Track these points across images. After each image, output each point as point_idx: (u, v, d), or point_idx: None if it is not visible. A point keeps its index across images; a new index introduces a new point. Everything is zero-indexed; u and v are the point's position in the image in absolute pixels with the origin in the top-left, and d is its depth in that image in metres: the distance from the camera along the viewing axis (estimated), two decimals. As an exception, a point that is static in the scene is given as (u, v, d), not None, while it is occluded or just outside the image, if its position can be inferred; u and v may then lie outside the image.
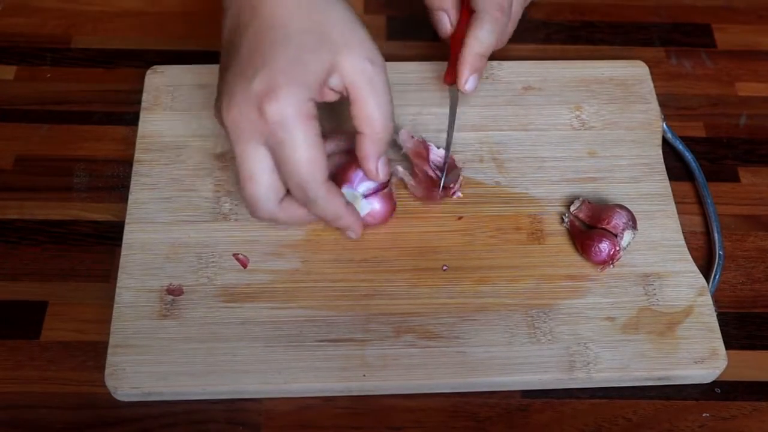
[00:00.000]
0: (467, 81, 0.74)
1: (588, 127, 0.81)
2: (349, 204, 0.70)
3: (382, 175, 0.70)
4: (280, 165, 0.66)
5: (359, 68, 0.66)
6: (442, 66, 0.81)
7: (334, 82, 0.67)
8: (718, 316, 0.72)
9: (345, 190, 0.72)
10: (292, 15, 0.66)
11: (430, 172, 0.76)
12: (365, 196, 0.73)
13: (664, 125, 0.82)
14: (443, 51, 0.79)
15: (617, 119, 0.82)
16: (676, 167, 0.81)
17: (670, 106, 0.85)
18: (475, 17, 0.74)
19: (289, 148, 0.65)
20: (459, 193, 0.76)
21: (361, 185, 0.72)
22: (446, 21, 0.77)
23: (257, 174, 0.66)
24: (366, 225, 0.73)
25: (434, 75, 0.83)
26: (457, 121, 0.80)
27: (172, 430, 0.67)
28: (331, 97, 0.68)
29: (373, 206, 0.73)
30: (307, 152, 0.65)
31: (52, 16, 0.89)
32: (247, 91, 0.64)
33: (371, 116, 0.67)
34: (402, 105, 0.76)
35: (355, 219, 0.71)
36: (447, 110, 0.81)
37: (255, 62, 0.65)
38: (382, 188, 0.73)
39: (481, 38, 0.73)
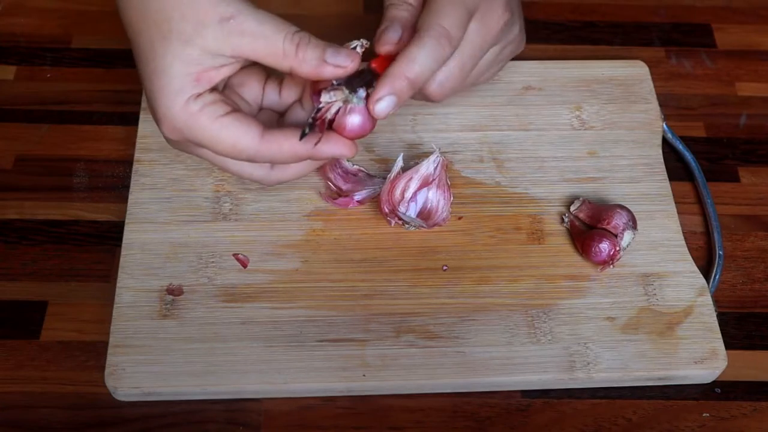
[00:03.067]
0: (380, 100, 0.64)
1: (588, 127, 0.81)
2: (310, 138, 0.64)
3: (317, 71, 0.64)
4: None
5: (224, 38, 0.62)
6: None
7: (221, 61, 0.63)
8: (718, 316, 0.72)
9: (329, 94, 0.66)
10: (137, 20, 0.64)
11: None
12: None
13: (664, 125, 0.82)
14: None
15: (617, 119, 0.82)
16: (676, 167, 0.81)
17: (670, 106, 0.85)
18: (415, 36, 0.65)
19: (208, 146, 0.65)
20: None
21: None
22: (397, 30, 0.67)
23: (227, 167, 0.68)
24: (350, 136, 0.66)
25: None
26: (457, 121, 0.80)
27: (172, 430, 0.67)
28: (230, 70, 0.64)
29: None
30: (223, 143, 0.64)
31: (52, 16, 0.89)
32: (155, 121, 0.66)
33: (271, 55, 0.63)
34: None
35: (332, 145, 0.65)
36: (447, 110, 0.81)
37: (143, 88, 0.66)
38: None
39: (415, 58, 0.64)
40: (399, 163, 0.73)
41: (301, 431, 0.67)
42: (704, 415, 0.69)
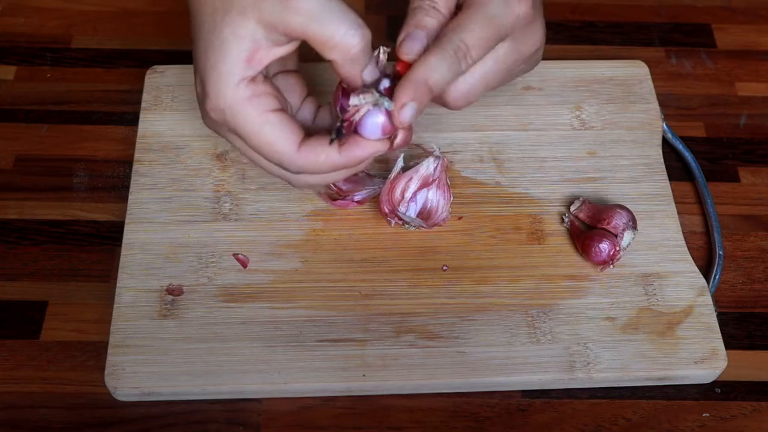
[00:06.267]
0: (403, 106, 0.63)
1: (588, 127, 0.81)
2: (342, 149, 0.64)
3: (369, 78, 0.64)
4: None
5: (280, 12, 0.60)
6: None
7: (274, 38, 0.62)
8: (718, 316, 0.72)
9: (358, 97, 0.64)
10: None
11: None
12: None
13: (664, 125, 0.82)
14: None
15: (617, 119, 0.82)
16: (676, 167, 0.81)
17: (670, 106, 0.85)
18: (436, 44, 0.65)
19: (245, 137, 0.64)
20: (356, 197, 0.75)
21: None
22: (422, 41, 0.66)
23: (256, 159, 0.66)
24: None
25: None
26: (457, 121, 0.80)
27: (172, 430, 0.67)
28: (282, 51, 0.63)
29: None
30: (261, 137, 0.63)
31: (52, 16, 0.89)
32: (197, 96, 0.65)
33: (321, 42, 0.62)
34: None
35: (364, 147, 0.64)
36: (447, 110, 0.80)
37: (194, 61, 0.65)
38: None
39: (434, 66, 0.64)
40: (399, 163, 0.73)
41: (301, 431, 0.67)
42: (704, 415, 0.69)
